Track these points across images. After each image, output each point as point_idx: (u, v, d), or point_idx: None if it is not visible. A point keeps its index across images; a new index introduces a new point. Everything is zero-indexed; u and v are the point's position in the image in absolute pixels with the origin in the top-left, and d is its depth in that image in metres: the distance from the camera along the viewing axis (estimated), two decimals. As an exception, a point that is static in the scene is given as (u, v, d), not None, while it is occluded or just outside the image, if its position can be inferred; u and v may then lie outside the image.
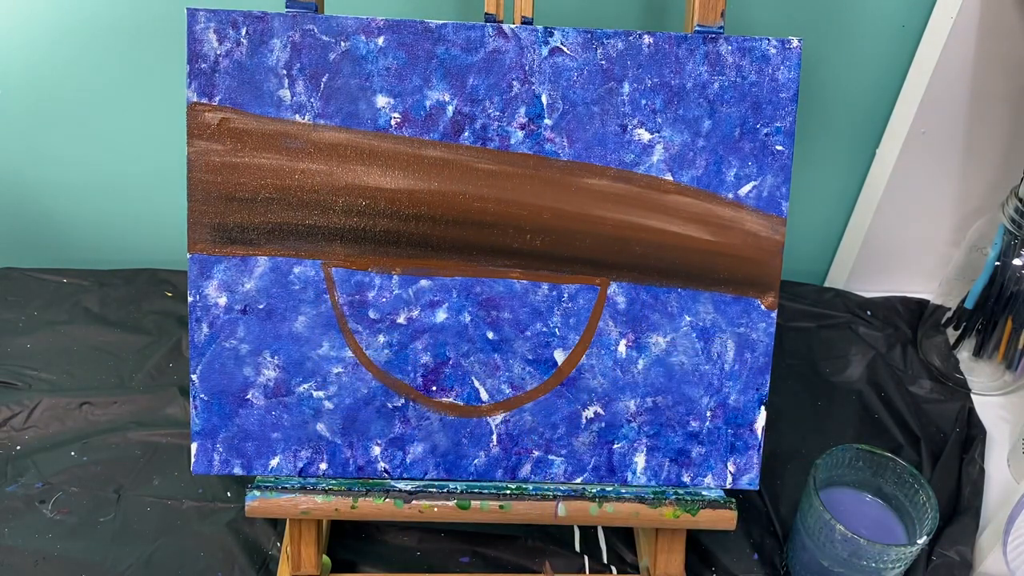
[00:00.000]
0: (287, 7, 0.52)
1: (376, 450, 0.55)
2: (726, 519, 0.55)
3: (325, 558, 0.60)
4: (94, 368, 0.74)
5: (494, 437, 0.55)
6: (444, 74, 0.52)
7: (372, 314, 0.54)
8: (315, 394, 0.54)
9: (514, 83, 0.52)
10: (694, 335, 0.55)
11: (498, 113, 0.52)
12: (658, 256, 0.54)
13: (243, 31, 0.51)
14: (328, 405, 0.55)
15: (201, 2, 0.55)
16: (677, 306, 0.55)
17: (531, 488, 0.55)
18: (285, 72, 0.51)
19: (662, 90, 0.53)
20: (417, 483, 0.55)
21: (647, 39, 0.52)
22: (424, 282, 0.54)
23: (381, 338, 0.54)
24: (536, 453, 0.56)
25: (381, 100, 0.52)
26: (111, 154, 0.80)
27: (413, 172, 0.53)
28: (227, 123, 0.52)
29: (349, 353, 0.54)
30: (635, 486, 0.56)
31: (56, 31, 0.72)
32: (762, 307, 0.55)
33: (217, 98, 0.51)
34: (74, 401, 0.70)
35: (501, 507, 0.55)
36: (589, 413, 0.56)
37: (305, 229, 0.53)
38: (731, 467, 0.56)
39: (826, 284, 0.90)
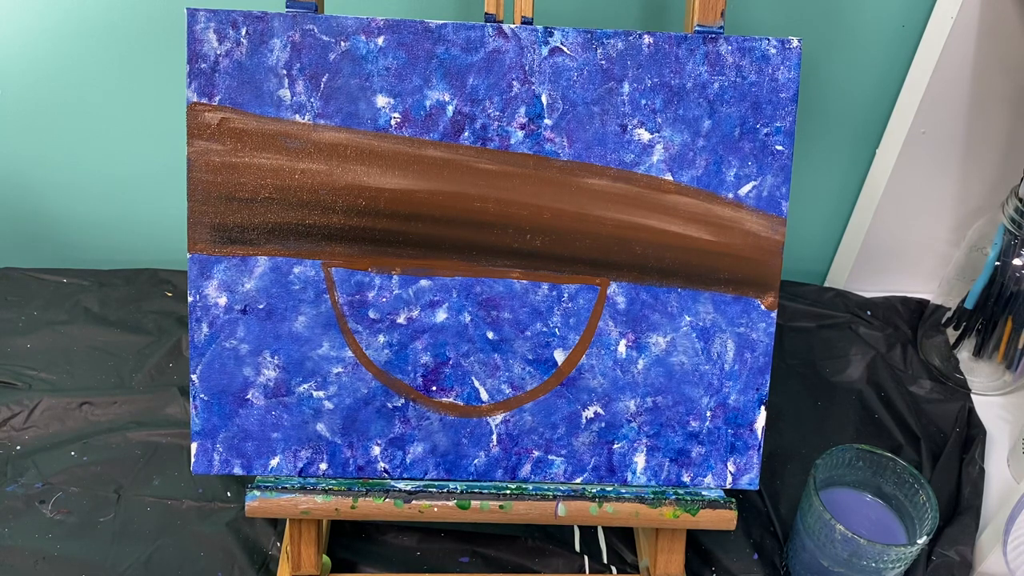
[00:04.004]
0: (287, 7, 0.52)
1: (376, 450, 0.55)
2: (726, 519, 0.55)
3: (325, 558, 0.60)
4: (94, 368, 0.74)
5: (494, 437, 0.55)
6: (444, 74, 0.52)
7: (372, 314, 0.54)
8: (315, 394, 0.54)
9: (514, 83, 0.52)
10: (694, 335, 0.55)
11: (498, 113, 0.52)
12: (658, 256, 0.54)
13: (243, 31, 0.51)
14: (328, 405, 0.55)
15: (201, 2, 0.55)
16: (677, 306, 0.55)
17: (531, 488, 0.55)
18: (285, 72, 0.51)
19: (662, 90, 0.53)
20: (417, 483, 0.55)
21: (647, 39, 0.52)
22: (424, 282, 0.54)
23: (381, 338, 0.54)
24: (536, 453, 0.56)
25: (381, 100, 0.52)
26: (111, 154, 0.80)
27: (413, 172, 0.53)
28: (227, 123, 0.52)
29: (349, 353, 0.54)
30: (635, 486, 0.56)
31: (56, 32, 0.72)
32: (762, 307, 0.55)
33: (217, 98, 0.51)
34: (74, 401, 0.70)
35: (501, 507, 0.55)
36: (589, 413, 0.56)
37: (305, 229, 0.53)
38: (731, 467, 0.56)
39: (826, 284, 0.90)
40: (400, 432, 0.55)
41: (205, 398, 0.54)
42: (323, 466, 0.55)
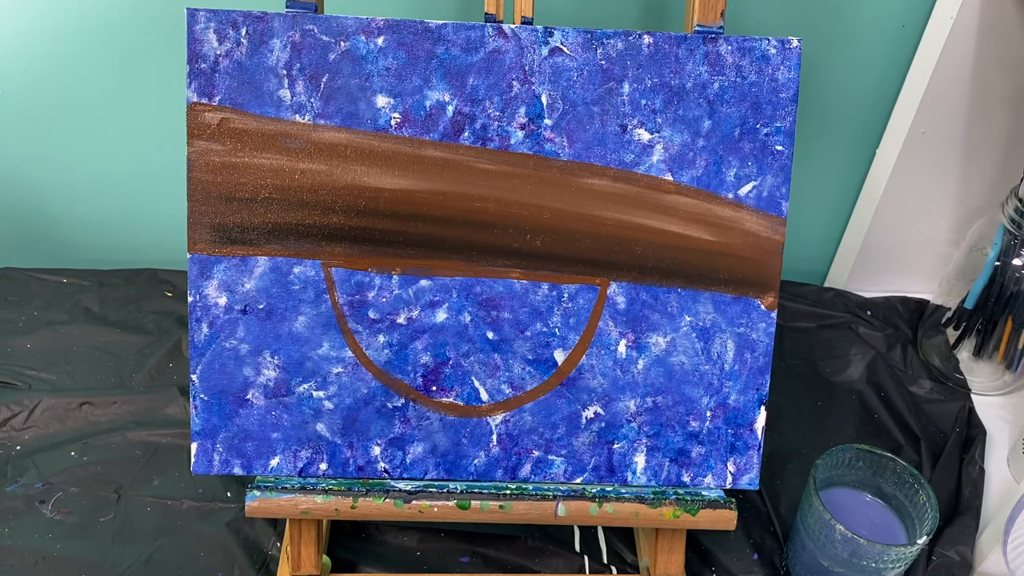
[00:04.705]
0: (287, 7, 0.52)
1: (376, 450, 0.55)
2: (726, 519, 0.55)
3: (325, 558, 0.60)
4: (94, 368, 0.74)
5: (494, 437, 0.55)
6: (444, 74, 0.52)
7: (372, 314, 0.54)
8: (315, 394, 0.54)
9: (514, 83, 0.52)
10: (694, 335, 0.55)
11: (498, 113, 0.52)
12: (658, 256, 0.54)
13: (243, 31, 0.51)
14: (328, 405, 0.55)
15: (201, 2, 0.55)
16: (677, 306, 0.55)
17: (531, 488, 0.55)
18: (285, 72, 0.51)
19: (662, 90, 0.53)
20: (417, 483, 0.55)
21: (647, 39, 0.52)
22: (424, 282, 0.54)
23: (381, 338, 0.54)
24: (536, 453, 0.56)
25: (381, 100, 0.52)
26: (111, 154, 0.80)
27: (413, 172, 0.53)
28: (227, 123, 0.52)
29: (349, 353, 0.54)
30: (635, 486, 0.56)
31: (56, 32, 0.72)
32: (762, 307, 0.55)
33: (217, 98, 0.51)
34: (74, 401, 0.70)
35: (501, 507, 0.55)
36: (589, 413, 0.56)
37: (305, 229, 0.53)
38: (731, 467, 0.56)
39: (826, 284, 0.90)
40: (400, 432, 0.55)
41: (205, 398, 0.54)
42: (323, 466, 0.55)
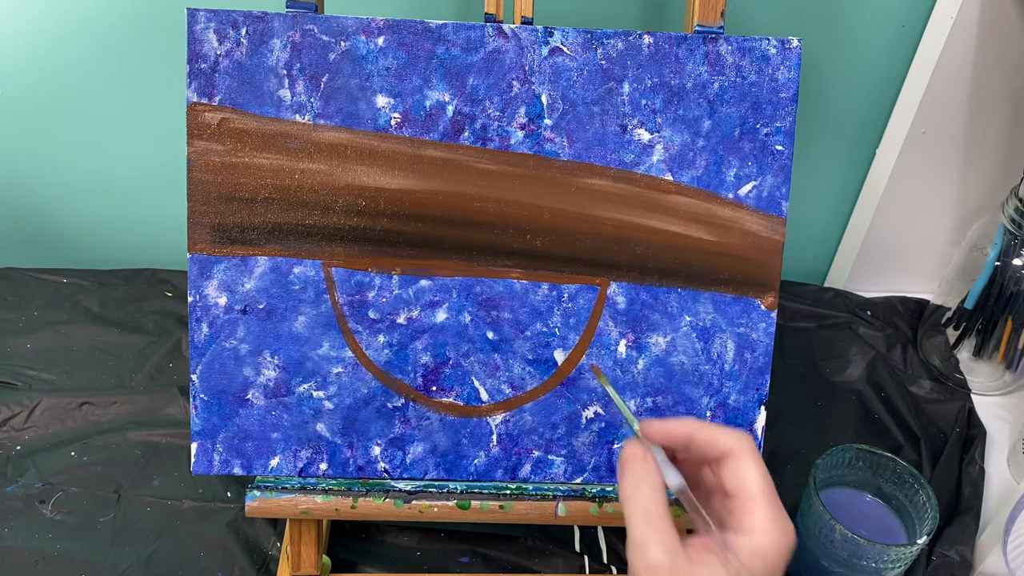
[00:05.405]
0: (287, 7, 0.52)
1: (376, 450, 0.55)
2: (726, 519, 0.55)
3: (325, 558, 0.60)
4: (94, 368, 0.74)
5: (494, 437, 0.55)
6: (444, 74, 0.52)
7: (372, 314, 0.54)
8: (315, 394, 0.54)
9: (514, 83, 0.52)
10: (694, 335, 0.55)
11: (498, 113, 0.52)
12: (658, 256, 0.54)
13: (243, 31, 0.51)
14: (328, 405, 0.55)
15: (201, 2, 0.55)
16: (677, 306, 0.55)
17: (531, 488, 0.55)
18: (285, 72, 0.51)
19: (662, 90, 0.53)
20: (417, 483, 0.55)
21: (647, 39, 0.52)
22: (424, 282, 0.54)
23: (381, 338, 0.54)
24: (536, 453, 0.56)
25: (381, 100, 0.52)
26: (111, 154, 0.80)
27: (413, 172, 0.53)
28: (227, 123, 0.52)
29: (349, 353, 0.54)
30: (635, 486, 0.56)
31: (56, 32, 0.72)
32: (762, 307, 0.55)
33: (217, 98, 0.51)
34: (74, 401, 0.70)
35: (501, 507, 0.55)
36: (589, 413, 0.56)
37: (305, 229, 0.53)
38: (731, 467, 0.56)
39: (826, 284, 0.90)
40: (400, 432, 0.55)
41: (205, 398, 0.54)
42: (323, 466, 0.55)
